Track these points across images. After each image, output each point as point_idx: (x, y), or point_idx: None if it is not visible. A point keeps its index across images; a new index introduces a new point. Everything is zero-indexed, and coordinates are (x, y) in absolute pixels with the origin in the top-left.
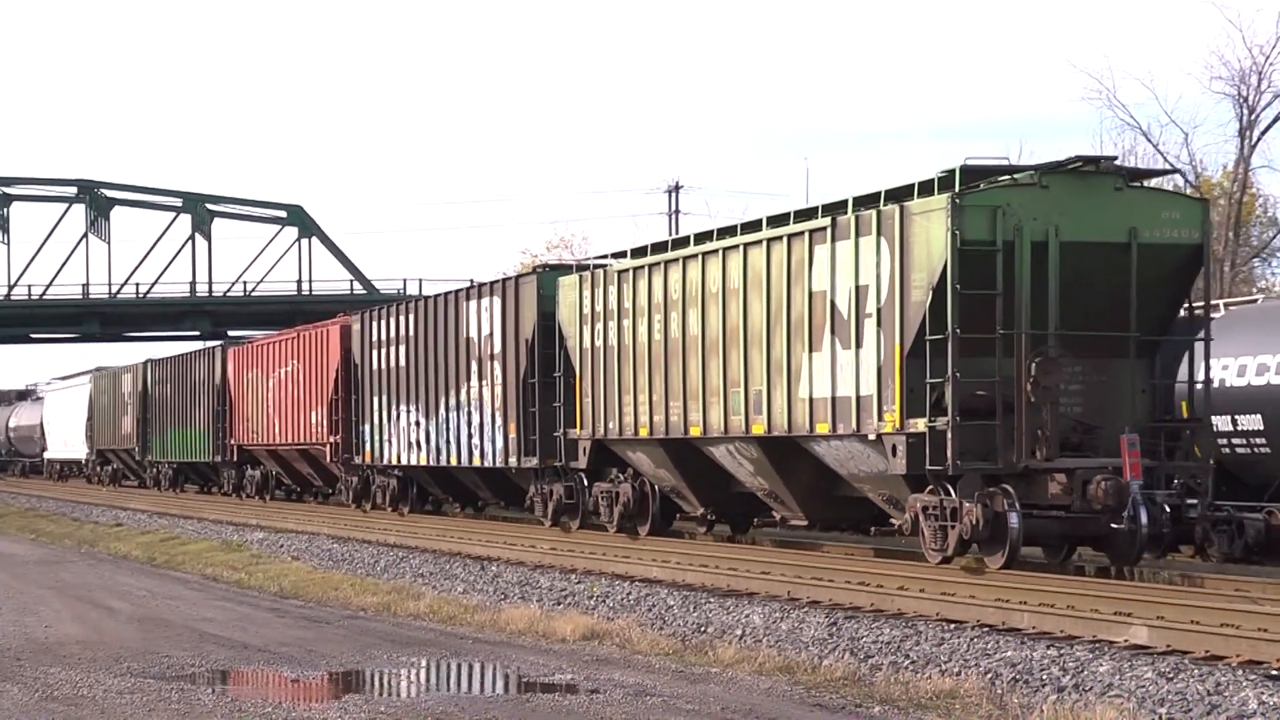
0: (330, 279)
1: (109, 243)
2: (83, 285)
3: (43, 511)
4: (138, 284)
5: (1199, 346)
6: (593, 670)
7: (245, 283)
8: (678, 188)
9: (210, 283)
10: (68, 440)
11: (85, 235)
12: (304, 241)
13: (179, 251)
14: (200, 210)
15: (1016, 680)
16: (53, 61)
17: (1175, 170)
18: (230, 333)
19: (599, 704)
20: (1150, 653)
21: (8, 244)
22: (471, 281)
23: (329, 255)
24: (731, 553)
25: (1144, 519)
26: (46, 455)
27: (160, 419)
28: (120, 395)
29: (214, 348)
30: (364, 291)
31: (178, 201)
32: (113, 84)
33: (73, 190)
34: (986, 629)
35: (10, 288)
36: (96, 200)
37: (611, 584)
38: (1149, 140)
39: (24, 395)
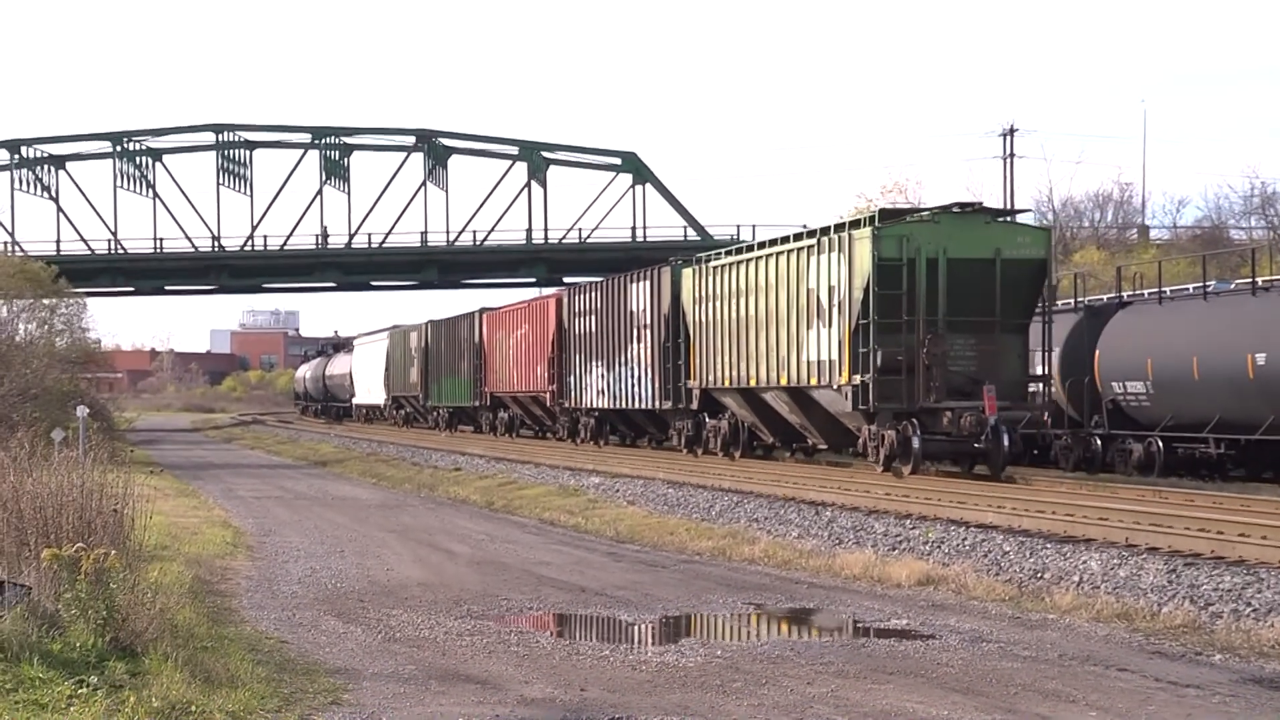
0: (664, 225)
1: (446, 191)
2: (421, 233)
3: (383, 456)
4: (475, 231)
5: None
6: (928, 616)
7: (580, 229)
8: (1012, 131)
9: (546, 230)
10: (370, 388)
11: (423, 184)
12: (638, 188)
13: (515, 199)
14: (536, 158)
15: None
16: (393, 15)
17: (1028, 210)
18: (565, 279)
19: (935, 650)
20: None
21: (349, 194)
22: (627, 262)
23: (663, 201)
24: (1068, 498)
25: (1005, 442)
26: (354, 401)
27: (436, 370)
28: (409, 350)
29: (473, 313)
30: (697, 238)
31: (514, 149)
32: (451, 35)
33: (411, 140)
34: None
35: (351, 236)
36: (435, 149)
37: (946, 529)
38: None
39: (339, 347)
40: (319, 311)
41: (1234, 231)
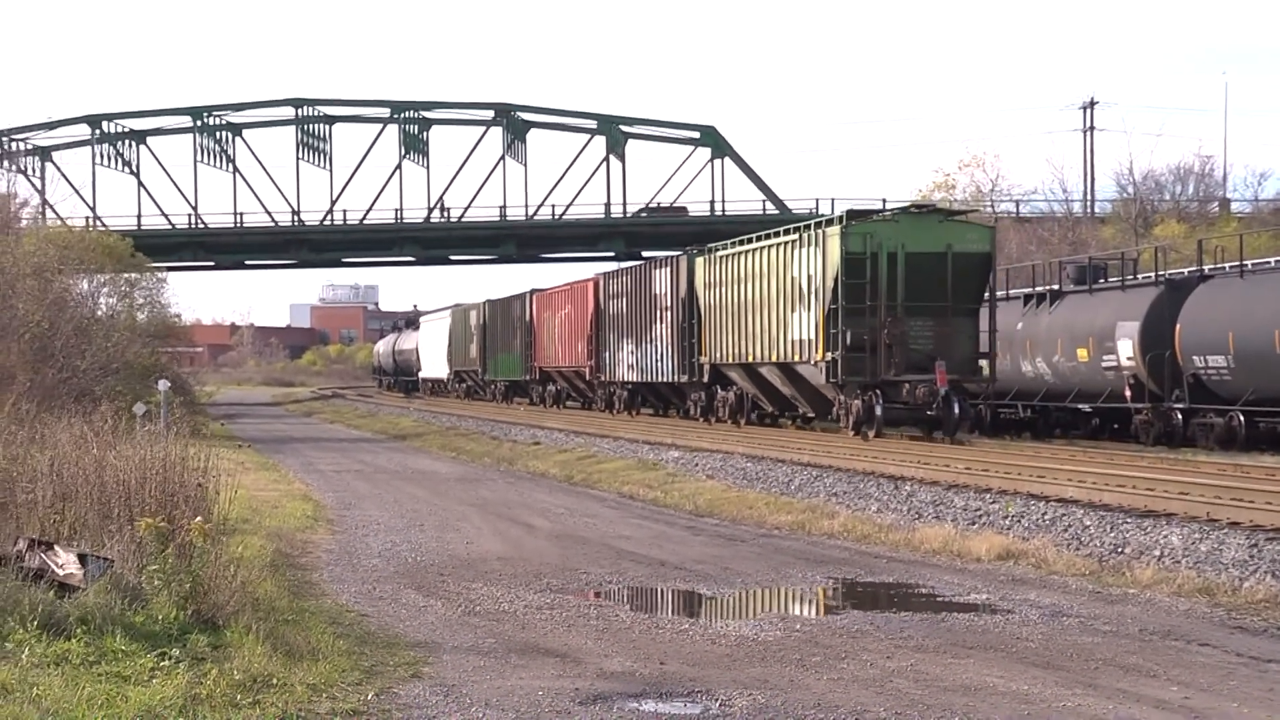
0: (743, 199)
1: (525, 165)
2: (500, 208)
3: (461, 430)
4: (553, 205)
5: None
6: (1008, 590)
7: (659, 204)
8: (1093, 104)
9: (625, 204)
10: (435, 363)
11: (502, 158)
12: (717, 162)
13: (594, 173)
14: (614, 132)
15: None
16: None
17: (976, 209)
18: (644, 254)
19: (1014, 624)
20: None
21: (428, 168)
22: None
23: (742, 175)
24: (1149, 472)
25: (956, 409)
26: (420, 375)
27: (493, 346)
28: (469, 327)
29: (524, 294)
30: (776, 212)
31: (592, 123)
32: (530, 9)
33: (490, 114)
34: None
35: (430, 210)
36: (513, 123)
37: (1026, 504)
38: None
39: (410, 323)
40: (398, 285)
41: None
